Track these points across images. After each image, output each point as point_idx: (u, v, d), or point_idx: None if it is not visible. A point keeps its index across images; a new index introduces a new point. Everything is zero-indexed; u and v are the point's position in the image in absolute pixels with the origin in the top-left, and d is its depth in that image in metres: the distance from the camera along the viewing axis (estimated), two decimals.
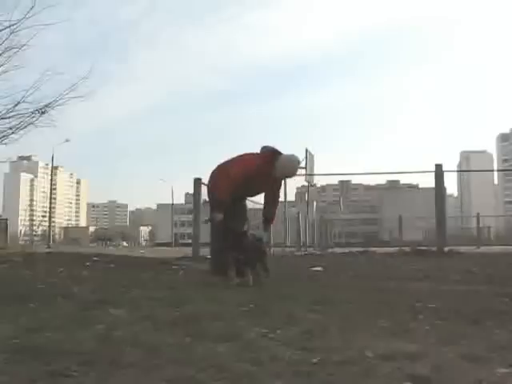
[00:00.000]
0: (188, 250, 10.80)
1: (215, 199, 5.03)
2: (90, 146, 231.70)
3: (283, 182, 5.48)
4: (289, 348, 2.24)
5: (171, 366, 1.96)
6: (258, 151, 5.14)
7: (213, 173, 5.28)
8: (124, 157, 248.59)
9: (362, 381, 1.82)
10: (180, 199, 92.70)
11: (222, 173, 5.06)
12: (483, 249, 14.91)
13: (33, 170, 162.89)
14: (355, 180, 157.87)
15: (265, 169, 4.94)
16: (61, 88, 10.54)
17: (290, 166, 5.05)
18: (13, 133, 10.39)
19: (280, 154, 5.02)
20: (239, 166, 4.99)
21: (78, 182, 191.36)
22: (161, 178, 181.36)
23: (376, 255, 10.35)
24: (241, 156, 5.15)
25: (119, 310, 3.15)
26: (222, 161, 5.30)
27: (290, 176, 5.24)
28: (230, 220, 4.97)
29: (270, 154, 4.99)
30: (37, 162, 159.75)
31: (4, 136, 10.33)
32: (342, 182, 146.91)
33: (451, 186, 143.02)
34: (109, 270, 6.50)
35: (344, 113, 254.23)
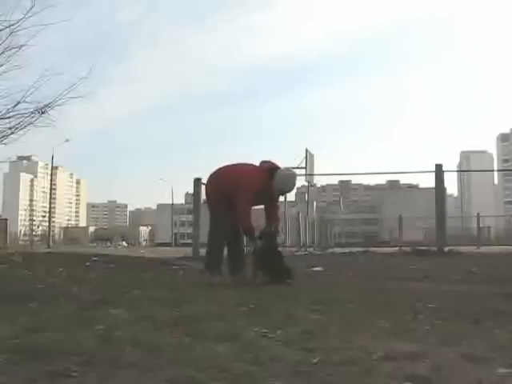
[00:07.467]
0: (188, 250, 10.81)
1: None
2: (89, 146, 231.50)
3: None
4: (289, 348, 2.24)
5: (171, 366, 1.96)
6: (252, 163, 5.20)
7: (213, 178, 5.30)
8: (124, 157, 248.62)
9: (361, 381, 1.82)
10: (180, 199, 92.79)
11: (242, 195, 4.91)
12: (483, 249, 14.92)
13: (32, 169, 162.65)
14: (355, 180, 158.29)
15: (267, 183, 4.96)
16: (60, 88, 10.49)
17: (290, 183, 5.07)
18: (12, 133, 10.36)
19: (278, 168, 5.05)
20: (252, 180, 4.94)
21: (78, 182, 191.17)
22: (161, 178, 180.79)
23: (376, 255, 10.35)
24: (245, 168, 5.12)
25: (119, 310, 3.15)
26: (221, 166, 5.32)
27: (288, 192, 5.24)
28: (226, 218, 5.06)
29: (271, 168, 5.01)
30: (36, 162, 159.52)
31: (4, 136, 10.31)
32: (341, 182, 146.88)
33: (451, 186, 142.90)
34: (109, 270, 6.50)
35: (344, 113, 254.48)
